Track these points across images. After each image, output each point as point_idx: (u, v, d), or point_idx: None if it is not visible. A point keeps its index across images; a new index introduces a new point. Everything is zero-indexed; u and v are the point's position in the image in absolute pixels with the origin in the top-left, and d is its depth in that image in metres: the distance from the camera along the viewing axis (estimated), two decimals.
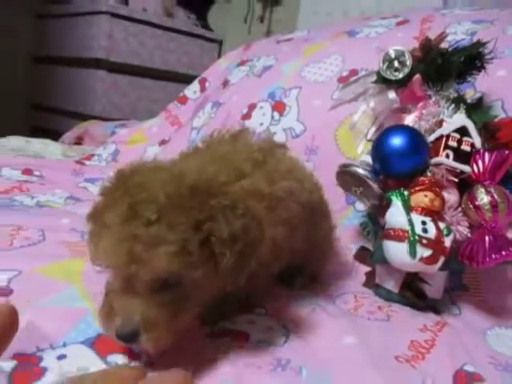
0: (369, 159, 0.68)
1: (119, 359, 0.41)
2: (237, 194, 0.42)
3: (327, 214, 0.66)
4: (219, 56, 2.31)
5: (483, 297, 0.68)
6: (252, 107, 1.00)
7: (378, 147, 0.63)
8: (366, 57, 0.93)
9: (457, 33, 0.90)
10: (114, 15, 1.87)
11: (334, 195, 0.76)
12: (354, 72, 0.92)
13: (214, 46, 2.29)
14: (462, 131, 0.63)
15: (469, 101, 0.72)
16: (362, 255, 0.69)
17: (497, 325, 0.64)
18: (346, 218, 0.83)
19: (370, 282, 0.69)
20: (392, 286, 0.65)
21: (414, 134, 0.62)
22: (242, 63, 1.14)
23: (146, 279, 0.37)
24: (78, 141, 1.52)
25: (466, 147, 0.63)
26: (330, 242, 0.70)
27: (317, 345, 0.48)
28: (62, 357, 0.40)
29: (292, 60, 1.03)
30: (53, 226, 0.68)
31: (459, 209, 0.63)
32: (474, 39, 0.88)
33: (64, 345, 0.41)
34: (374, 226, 0.68)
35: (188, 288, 0.39)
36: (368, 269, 0.70)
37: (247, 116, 0.98)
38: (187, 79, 2.03)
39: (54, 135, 1.60)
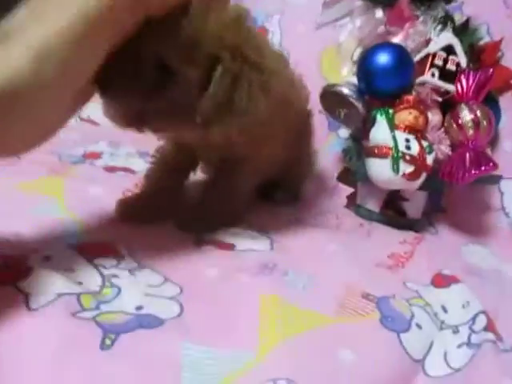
0: (354, 80, 0.67)
1: (105, 262, 0.40)
2: None
3: (313, 131, 0.66)
4: None
5: (459, 217, 0.70)
6: None
7: (364, 65, 0.62)
8: None
9: None
10: None
11: (316, 122, 0.75)
12: None
13: None
14: (449, 50, 0.63)
15: (456, 22, 0.71)
16: (345, 176, 0.70)
17: (471, 242, 0.66)
18: (329, 144, 0.83)
19: (351, 203, 0.70)
20: (373, 205, 0.66)
21: (400, 52, 0.61)
22: None
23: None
24: None
25: (451, 66, 0.62)
26: (311, 160, 0.70)
27: (301, 251, 0.49)
28: (47, 258, 0.39)
29: None
30: None
31: (442, 129, 0.63)
32: None
33: (49, 253, 0.40)
34: (357, 146, 0.68)
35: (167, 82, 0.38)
36: (349, 192, 0.71)
37: None
38: None
39: None
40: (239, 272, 0.43)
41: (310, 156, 0.68)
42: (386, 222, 0.65)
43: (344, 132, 0.80)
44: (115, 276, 0.39)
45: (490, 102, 0.65)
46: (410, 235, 0.61)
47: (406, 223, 0.65)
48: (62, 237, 0.43)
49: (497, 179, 0.66)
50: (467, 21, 0.71)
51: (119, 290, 0.37)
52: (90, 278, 0.38)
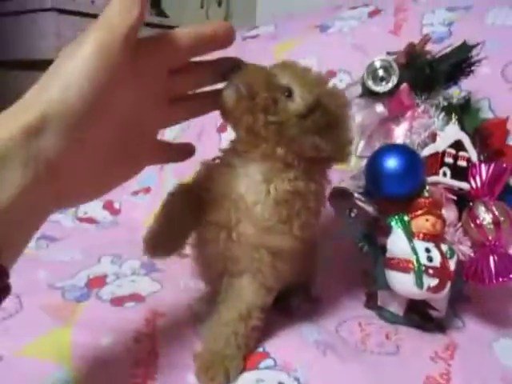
0: (360, 177, 0.64)
1: None
2: None
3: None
4: None
5: (486, 307, 0.67)
6: None
7: (373, 170, 0.60)
8: (342, 55, 0.88)
9: (433, 24, 0.87)
10: (61, 11, 1.73)
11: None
12: (331, 73, 0.87)
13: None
14: (457, 145, 0.60)
15: (455, 100, 0.70)
16: (364, 279, 0.67)
17: (501, 335, 0.63)
18: (340, 229, 0.80)
19: (372, 303, 0.67)
20: (396, 308, 0.63)
21: (409, 154, 0.59)
22: None
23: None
24: None
25: (462, 162, 0.60)
26: (315, 247, 0.67)
27: None
28: None
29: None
30: (29, 285, 0.62)
31: (459, 225, 0.61)
32: (453, 31, 0.85)
33: None
34: (372, 247, 0.65)
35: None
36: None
37: (223, 128, 0.92)
38: None
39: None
40: None
41: (316, 258, 0.65)
42: (412, 325, 0.62)
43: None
44: None
45: (504, 190, 0.63)
46: (440, 345, 0.58)
47: (432, 325, 0.62)
48: None
49: None
50: (468, 101, 0.69)
51: None
52: None
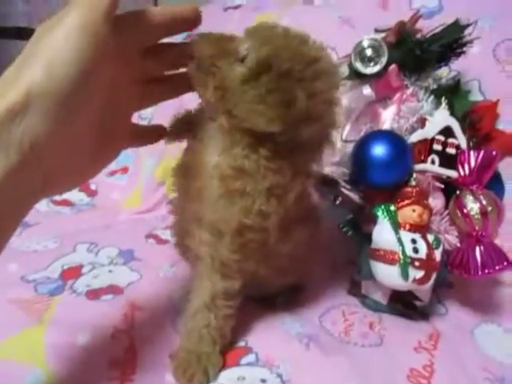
0: (346, 164, 0.62)
1: None
2: None
3: None
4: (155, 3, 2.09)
5: (468, 293, 0.66)
6: None
7: (358, 158, 0.58)
8: (328, 31, 0.83)
9: None
10: None
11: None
12: None
13: None
14: (446, 131, 0.58)
15: (444, 80, 0.67)
16: (344, 266, 0.65)
17: (483, 321, 0.63)
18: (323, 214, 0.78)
19: (355, 290, 0.66)
20: (380, 297, 0.62)
21: (396, 142, 0.56)
22: (189, 36, 1.02)
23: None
24: None
25: (451, 150, 0.58)
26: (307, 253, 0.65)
27: None
28: None
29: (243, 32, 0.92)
30: (0, 278, 0.59)
31: (445, 213, 0.59)
32: (444, 5, 0.81)
33: None
34: (357, 234, 0.63)
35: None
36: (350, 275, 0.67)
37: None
38: None
39: None
40: None
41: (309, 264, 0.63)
42: (395, 313, 0.61)
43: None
44: None
45: (492, 178, 0.61)
46: (423, 333, 0.58)
47: (416, 313, 0.61)
48: None
49: None
50: (458, 82, 0.67)
51: None
52: None
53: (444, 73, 0.71)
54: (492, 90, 0.69)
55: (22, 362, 0.46)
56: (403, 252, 0.53)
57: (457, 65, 0.72)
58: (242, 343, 0.52)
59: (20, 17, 1.63)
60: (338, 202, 0.63)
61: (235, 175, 0.43)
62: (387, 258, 0.54)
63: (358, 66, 0.61)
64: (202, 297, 0.48)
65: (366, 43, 0.60)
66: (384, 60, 0.60)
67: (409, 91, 0.63)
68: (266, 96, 0.39)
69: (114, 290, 0.60)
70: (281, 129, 0.40)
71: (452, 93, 0.64)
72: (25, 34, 1.66)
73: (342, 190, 0.60)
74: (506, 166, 0.66)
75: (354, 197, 0.60)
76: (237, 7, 1.03)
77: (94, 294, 0.59)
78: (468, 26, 0.62)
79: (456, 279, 0.68)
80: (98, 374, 0.45)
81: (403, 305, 0.61)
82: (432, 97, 0.62)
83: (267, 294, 0.59)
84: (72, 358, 0.47)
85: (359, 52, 0.61)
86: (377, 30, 0.69)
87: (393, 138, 0.56)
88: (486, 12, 0.77)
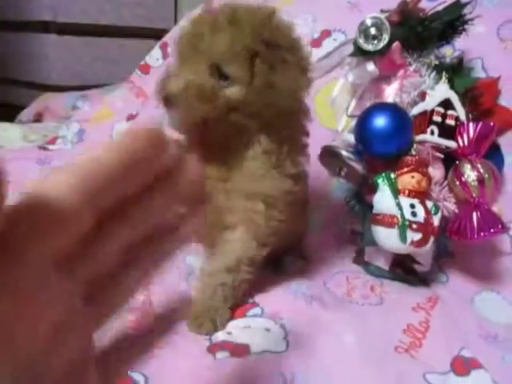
0: (351, 138, 0.65)
1: None
2: None
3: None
4: (176, 3, 2.15)
5: (469, 262, 0.69)
6: None
7: (361, 129, 0.61)
8: (337, 15, 0.87)
9: None
10: None
11: (317, 167, 0.74)
12: (326, 33, 0.87)
13: None
14: (446, 104, 0.61)
15: (448, 60, 0.70)
16: (350, 236, 0.69)
17: (483, 289, 0.66)
18: (331, 190, 0.82)
19: (360, 258, 0.69)
20: (382, 263, 0.65)
21: (398, 114, 0.59)
22: None
23: (201, 54, 0.49)
24: (38, 117, 1.43)
25: (450, 121, 0.61)
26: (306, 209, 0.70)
27: (317, 347, 0.48)
28: None
29: None
30: None
31: (445, 183, 0.62)
32: None
33: None
34: (361, 205, 0.67)
35: (225, 83, 0.49)
36: (356, 245, 0.70)
37: None
38: (145, 33, 1.90)
39: (12, 109, 1.50)
40: None
41: (306, 218, 0.68)
42: (397, 279, 0.64)
43: None
44: None
45: (492, 149, 0.64)
46: (422, 296, 0.61)
47: (416, 279, 0.65)
48: None
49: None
50: (461, 60, 0.69)
51: None
52: None
53: (448, 52, 0.74)
54: (495, 68, 0.71)
55: None
56: (402, 215, 0.56)
57: (462, 44, 0.74)
58: (249, 300, 0.57)
59: (44, 10, 1.70)
60: (343, 174, 0.66)
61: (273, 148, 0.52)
62: (387, 221, 0.57)
63: (362, 43, 0.64)
64: (226, 261, 0.53)
65: (369, 22, 0.63)
66: (386, 37, 0.63)
67: (412, 68, 0.66)
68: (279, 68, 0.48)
69: None
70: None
71: (454, 70, 0.67)
72: (49, 27, 1.74)
73: (347, 160, 0.64)
74: (506, 140, 0.68)
75: (358, 167, 0.63)
76: None
77: None
78: (467, 3, 0.64)
79: (457, 249, 0.71)
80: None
81: (404, 270, 0.64)
82: (434, 73, 0.64)
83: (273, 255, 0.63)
84: None
85: (363, 30, 0.64)
86: (382, 11, 0.71)
87: (393, 110, 0.59)
88: None
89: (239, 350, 0.47)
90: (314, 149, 0.67)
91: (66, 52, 1.78)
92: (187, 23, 0.52)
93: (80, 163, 0.17)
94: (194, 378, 0.43)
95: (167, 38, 1.19)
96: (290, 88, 0.50)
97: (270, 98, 0.49)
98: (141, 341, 0.46)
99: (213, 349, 0.48)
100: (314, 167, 0.71)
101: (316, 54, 0.79)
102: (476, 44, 0.74)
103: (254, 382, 0.43)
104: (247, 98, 0.49)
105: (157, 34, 1.24)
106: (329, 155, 0.66)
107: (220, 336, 0.50)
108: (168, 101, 0.48)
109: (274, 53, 0.48)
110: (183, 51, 0.50)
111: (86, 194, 0.16)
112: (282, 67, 0.48)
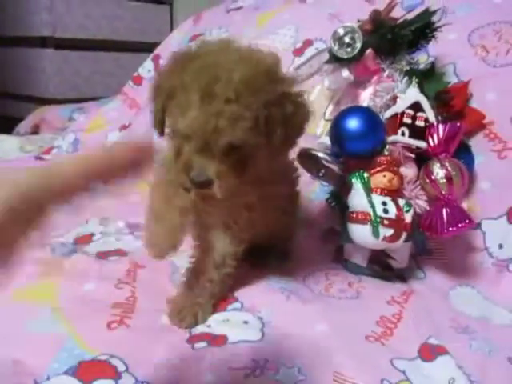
0: (328, 141, 0.68)
1: None
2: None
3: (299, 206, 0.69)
4: (171, 18, 2.21)
5: (446, 259, 0.71)
6: None
7: (336, 130, 0.64)
8: (319, 25, 0.91)
9: None
10: None
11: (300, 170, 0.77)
12: (308, 43, 0.91)
13: (164, 8, 2.18)
14: (416, 106, 0.64)
15: (422, 66, 0.73)
16: (329, 236, 0.71)
17: (458, 284, 0.68)
18: (314, 192, 0.84)
19: (339, 256, 0.71)
20: (360, 260, 0.68)
21: (369, 116, 0.63)
22: (194, 38, 1.10)
23: (223, 145, 0.46)
24: (35, 129, 1.47)
25: (420, 122, 0.64)
26: (294, 218, 0.72)
27: (290, 336, 0.51)
28: None
29: (245, 31, 1.00)
30: None
31: (417, 182, 0.65)
32: (425, 1, 0.87)
33: (48, 378, 0.43)
34: (340, 204, 0.69)
35: (249, 153, 0.48)
36: (336, 245, 0.73)
37: None
38: (141, 47, 1.94)
39: (9, 122, 1.53)
40: (233, 373, 0.45)
41: (295, 222, 0.70)
42: (375, 275, 0.67)
43: None
44: None
45: (462, 149, 0.67)
46: (398, 290, 0.63)
47: (393, 275, 0.67)
48: (60, 359, 0.45)
49: (475, 227, 0.68)
50: (433, 66, 0.72)
51: None
52: None
53: (422, 59, 0.77)
54: (466, 73, 0.74)
55: (36, 302, 0.54)
56: (374, 212, 0.59)
57: (435, 50, 0.78)
58: (230, 295, 0.59)
59: (43, 26, 1.76)
60: (321, 175, 0.69)
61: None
62: (360, 218, 0.60)
63: (336, 50, 0.67)
64: (211, 258, 0.56)
65: (341, 31, 0.67)
66: (359, 45, 0.67)
67: (385, 74, 0.69)
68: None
69: (119, 253, 0.68)
70: None
71: (425, 75, 0.70)
72: (48, 42, 1.79)
73: (324, 162, 0.67)
74: (476, 141, 0.71)
75: (335, 167, 0.66)
76: (239, 8, 1.11)
77: (102, 255, 0.66)
78: (435, 12, 0.68)
79: (435, 246, 0.74)
80: (102, 311, 0.53)
81: (381, 266, 0.67)
82: (406, 78, 0.68)
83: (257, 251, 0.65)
84: (81, 298, 0.55)
85: (338, 38, 0.68)
86: (359, 21, 0.75)
87: (365, 112, 0.63)
88: (464, 2, 0.83)
89: (217, 340, 0.50)
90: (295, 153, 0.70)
91: (63, 66, 1.83)
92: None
93: (85, 156, 0.28)
94: (171, 365, 0.46)
95: (159, 50, 1.23)
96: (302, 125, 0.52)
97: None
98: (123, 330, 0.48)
99: (192, 339, 0.50)
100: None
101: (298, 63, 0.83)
102: (448, 50, 0.77)
103: (228, 368, 0.45)
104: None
105: (152, 48, 1.28)
106: (307, 157, 0.69)
107: (199, 328, 0.52)
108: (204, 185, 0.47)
109: (281, 105, 0.48)
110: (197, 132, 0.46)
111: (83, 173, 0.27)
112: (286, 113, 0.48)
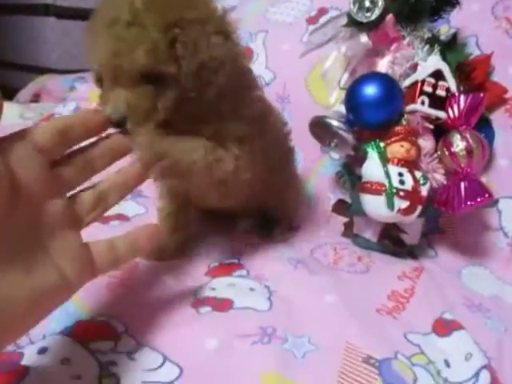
0: (342, 109, 0.65)
1: (102, 345, 0.40)
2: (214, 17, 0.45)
3: (292, 158, 0.66)
4: None
5: (458, 238, 0.69)
6: None
7: (351, 97, 0.61)
8: None
9: None
10: None
11: (309, 144, 0.74)
12: (322, 11, 0.87)
13: None
14: (437, 75, 0.61)
15: (443, 37, 0.70)
16: (340, 207, 0.69)
17: (471, 264, 0.66)
18: (322, 166, 0.82)
19: (349, 231, 0.69)
20: (370, 235, 0.65)
21: (387, 82, 0.59)
22: None
23: (128, 70, 0.42)
24: (35, 98, 1.43)
25: (441, 92, 0.61)
26: (296, 186, 0.70)
27: (299, 307, 0.48)
28: (42, 350, 0.39)
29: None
30: None
31: (435, 155, 0.62)
32: None
33: (44, 337, 0.40)
34: (350, 176, 0.67)
35: (163, 85, 0.43)
36: (345, 219, 0.70)
37: None
38: None
39: (9, 91, 1.50)
40: (238, 340, 0.42)
41: (295, 183, 0.68)
42: (385, 251, 0.65)
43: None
44: (113, 363, 0.39)
45: (483, 123, 0.64)
46: (409, 266, 0.61)
47: (404, 251, 0.65)
48: (57, 319, 0.42)
49: (493, 203, 0.65)
50: (455, 36, 0.69)
51: (117, 380, 0.37)
52: (88, 368, 0.38)
53: (444, 29, 0.74)
54: (488, 45, 0.71)
55: None
56: (389, 183, 0.57)
57: (457, 21, 0.74)
58: (234, 260, 0.57)
59: None
60: (333, 145, 0.67)
61: None
62: (375, 189, 0.57)
63: (355, 13, 0.64)
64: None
65: None
66: (379, 8, 0.63)
67: (405, 41, 0.66)
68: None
69: (121, 217, 0.65)
70: None
71: (447, 45, 0.67)
72: (51, 10, 1.74)
73: (337, 130, 0.64)
74: (498, 115, 0.68)
75: (348, 137, 0.63)
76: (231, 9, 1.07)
77: (103, 220, 0.64)
78: None
79: (447, 225, 0.71)
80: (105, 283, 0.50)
81: (392, 241, 0.64)
82: (427, 46, 0.65)
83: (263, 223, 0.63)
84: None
85: (358, 1, 0.64)
86: None
87: (383, 79, 0.59)
88: None
89: (222, 305, 0.47)
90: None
91: (64, 35, 1.78)
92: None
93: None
94: (173, 328, 0.43)
95: None
96: (220, 59, 0.44)
97: (206, 78, 0.44)
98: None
99: (196, 303, 0.48)
100: (307, 143, 0.71)
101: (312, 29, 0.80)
102: (471, 21, 0.74)
103: (234, 334, 0.43)
104: (186, 89, 0.44)
105: None
106: (319, 126, 0.66)
107: (204, 292, 0.50)
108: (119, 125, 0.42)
109: (191, 30, 0.43)
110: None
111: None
112: (206, 42, 0.43)
